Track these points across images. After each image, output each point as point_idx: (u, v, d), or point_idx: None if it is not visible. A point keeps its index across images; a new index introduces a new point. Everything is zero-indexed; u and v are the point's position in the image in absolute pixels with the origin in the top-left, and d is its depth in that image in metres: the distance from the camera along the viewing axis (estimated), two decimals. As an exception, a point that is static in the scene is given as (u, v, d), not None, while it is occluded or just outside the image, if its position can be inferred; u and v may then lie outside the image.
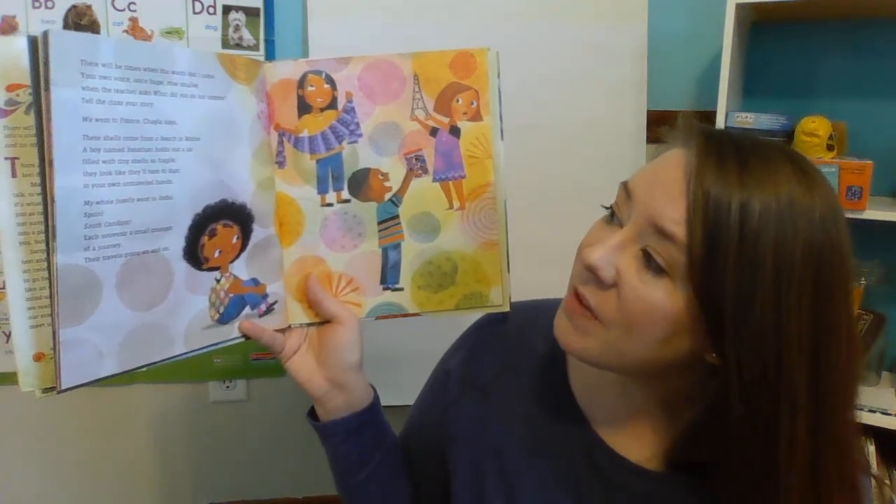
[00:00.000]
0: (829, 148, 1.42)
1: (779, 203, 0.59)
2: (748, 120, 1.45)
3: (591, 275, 0.66)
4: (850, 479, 0.66)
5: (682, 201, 0.60)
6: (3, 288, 1.57)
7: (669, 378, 0.69)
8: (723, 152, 0.62)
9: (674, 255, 0.60)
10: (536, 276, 1.12)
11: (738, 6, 1.36)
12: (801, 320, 0.59)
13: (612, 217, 0.68)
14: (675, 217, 0.60)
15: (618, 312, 0.64)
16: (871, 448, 1.42)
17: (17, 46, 0.64)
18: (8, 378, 1.58)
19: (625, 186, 0.68)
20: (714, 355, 0.62)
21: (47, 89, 0.59)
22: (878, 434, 1.42)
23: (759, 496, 0.63)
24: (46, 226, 0.61)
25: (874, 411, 1.41)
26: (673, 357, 0.64)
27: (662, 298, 0.61)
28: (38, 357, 0.67)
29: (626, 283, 0.63)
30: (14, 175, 0.66)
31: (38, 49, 0.59)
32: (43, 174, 0.60)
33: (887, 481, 1.43)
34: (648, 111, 1.64)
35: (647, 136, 1.64)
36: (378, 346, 0.96)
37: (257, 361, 1.72)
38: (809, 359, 0.60)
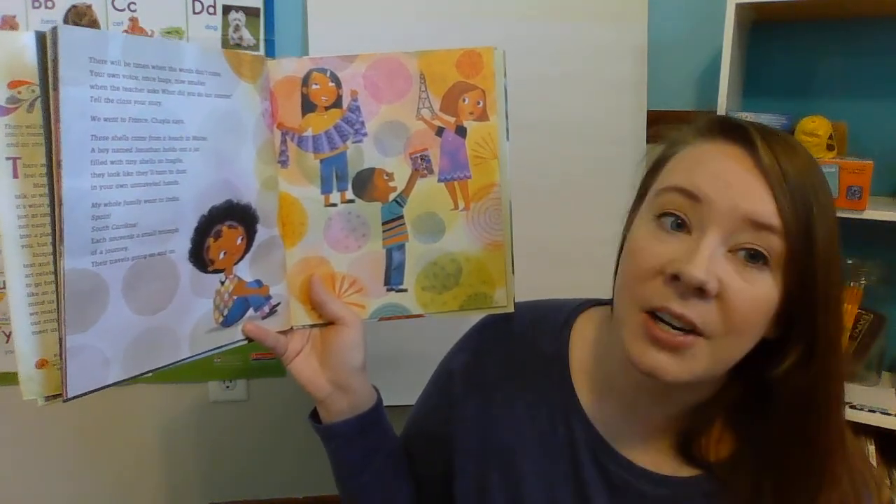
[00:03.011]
0: (829, 148, 1.42)
1: (821, 178, 0.66)
2: (748, 120, 1.45)
3: (691, 291, 0.62)
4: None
5: (767, 192, 0.62)
6: (3, 288, 1.57)
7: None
8: (774, 142, 0.65)
9: (773, 244, 0.62)
10: (533, 275, 1.12)
11: (738, 6, 1.36)
12: (841, 277, 0.66)
13: (679, 226, 0.66)
14: (768, 208, 0.62)
15: (725, 321, 0.63)
16: (871, 448, 1.42)
17: (21, 42, 0.62)
18: (8, 378, 1.58)
19: (686, 192, 0.65)
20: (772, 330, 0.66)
21: (56, 88, 0.57)
22: (878, 434, 1.41)
23: (803, 470, 0.67)
24: (53, 229, 0.59)
25: (874, 411, 1.40)
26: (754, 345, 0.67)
27: (768, 291, 0.63)
28: (42, 364, 0.66)
29: (732, 289, 0.63)
30: (16, 176, 0.64)
31: (46, 46, 0.58)
32: (50, 176, 0.59)
33: (887, 481, 1.43)
34: (648, 111, 1.64)
35: (647, 136, 1.64)
36: (379, 346, 0.96)
37: (258, 361, 1.72)
38: (841, 322, 0.67)
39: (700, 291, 0.62)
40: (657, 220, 0.67)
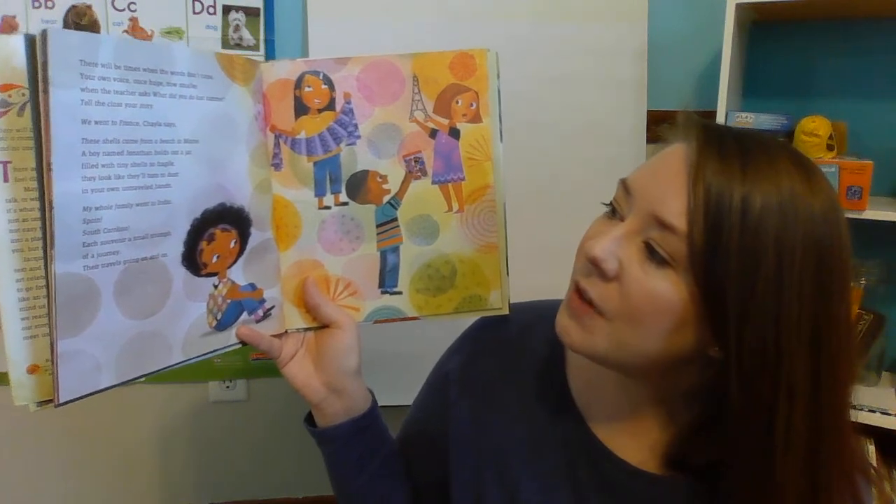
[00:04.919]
0: (829, 148, 1.42)
1: (780, 196, 0.59)
2: (748, 120, 1.45)
3: (593, 267, 0.65)
4: (849, 473, 0.66)
5: (683, 193, 0.61)
6: None
7: (672, 376, 0.69)
8: (724, 145, 0.62)
9: (676, 247, 0.61)
10: (534, 276, 1.12)
11: (738, 6, 1.36)
12: (802, 310, 0.59)
13: (613, 213, 0.69)
14: (676, 209, 0.61)
15: (621, 305, 0.64)
16: (871, 448, 1.42)
17: (11, 45, 0.61)
18: (6, 379, 1.57)
19: (624, 183, 0.68)
20: (717, 349, 0.62)
21: (46, 91, 0.57)
22: (878, 434, 1.41)
23: (757, 488, 0.63)
24: (44, 233, 0.59)
25: (874, 411, 1.40)
26: (678, 351, 0.64)
27: (666, 289, 0.62)
28: (33, 369, 0.65)
29: (629, 275, 0.63)
30: (6, 180, 0.63)
31: (35, 48, 0.57)
32: (41, 179, 0.58)
33: (887, 481, 1.43)
34: (648, 111, 1.64)
35: (647, 136, 1.64)
36: (373, 347, 0.96)
37: (257, 361, 1.72)
38: (809, 348, 0.60)
39: (599, 270, 0.65)
40: (605, 209, 0.71)
